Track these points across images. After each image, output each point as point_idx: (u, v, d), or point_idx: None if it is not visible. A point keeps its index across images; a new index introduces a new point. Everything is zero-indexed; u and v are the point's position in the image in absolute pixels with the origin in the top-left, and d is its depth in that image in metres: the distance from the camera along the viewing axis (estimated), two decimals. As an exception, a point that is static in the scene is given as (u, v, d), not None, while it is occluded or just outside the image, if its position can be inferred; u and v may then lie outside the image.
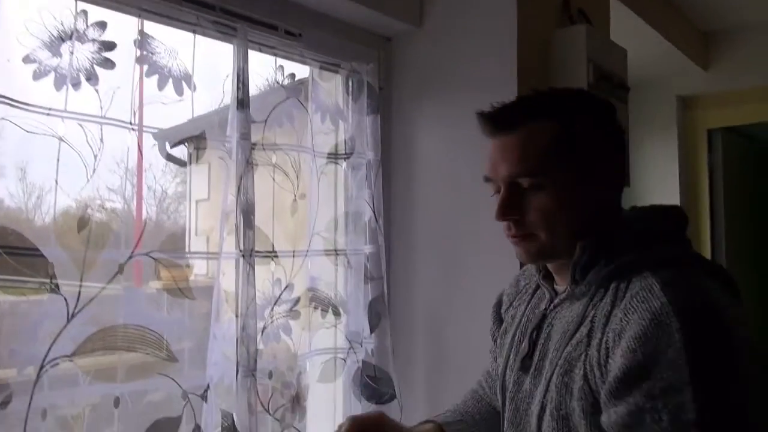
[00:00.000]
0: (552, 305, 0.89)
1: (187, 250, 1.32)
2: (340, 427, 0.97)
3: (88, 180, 1.04)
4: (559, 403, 0.79)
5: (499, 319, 1.06)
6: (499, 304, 1.08)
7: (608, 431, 0.74)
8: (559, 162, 0.83)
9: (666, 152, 2.82)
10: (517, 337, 0.94)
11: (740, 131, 3.02)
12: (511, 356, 0.93)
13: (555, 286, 0.92)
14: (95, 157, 1.05)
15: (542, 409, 0.82)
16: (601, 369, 0.75)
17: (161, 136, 1.22)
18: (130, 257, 1.09)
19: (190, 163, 1.48)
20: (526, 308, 0.96)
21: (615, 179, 0.88)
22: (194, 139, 1.25)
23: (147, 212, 1.30)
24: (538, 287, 0.97)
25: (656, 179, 2.79)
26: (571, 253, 0.84)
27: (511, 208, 0.84)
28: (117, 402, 1.05)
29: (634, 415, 0.70)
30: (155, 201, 1.36)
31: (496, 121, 0.85)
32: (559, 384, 0.80)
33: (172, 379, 1.12)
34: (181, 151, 1.36)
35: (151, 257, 1.13)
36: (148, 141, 1.14)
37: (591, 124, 0.86)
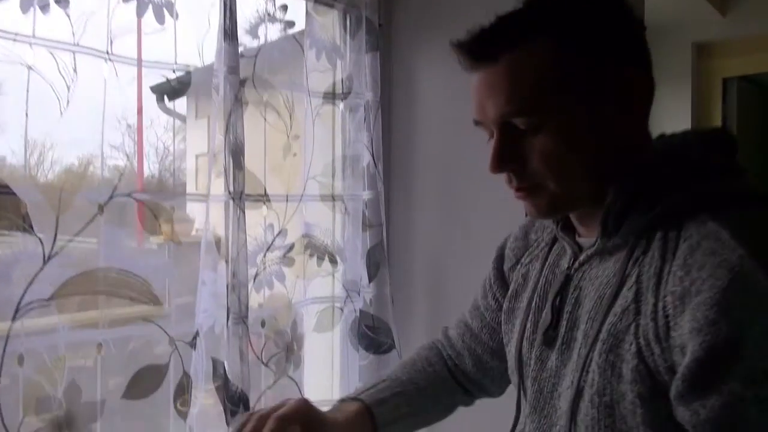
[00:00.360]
0: (577, 263, 0.72)
1: (187, 205, 1.23)
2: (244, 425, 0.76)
3: (61, 113, 0.97)
4: (603, 388, 0.63)
5: (501, 278, 0.89)
6: (500, 259, 0.89)
7: (690, 430, 0.58)
8: (560, 90, 0.64)
9: (679, 101, 2.71)
10: (534, 303, 0.77)
11: (756, 80, 2.91)
12: (528, 326, 0.77)
13: (578, 238, 0.74)
14: (68, 88, 0.97)
15: (578, 393, 0.66)
16: (660, 344, 0.59)
17: (159, 89, 1.16)
18: (111, 198, 1.03)
19: (189, 118, 1.40)
20: (542, 267, 0.79)
21: (639, 96, 0.67)
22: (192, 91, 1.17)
23: (149, 169, 1.24)
24: (555, 240, 0.79)
25: (667, 130, 2.69)
26: (594, 199, 0.67)
27: (507, 156, 0.67)
28: (99, 348, 1.01)
29: (733, 408, 0.54)
30: (157, 158, 1.29)
31: (473, 51, 0.68)
32: (602, 363, 0.64)
33: (158, 326, 1.07)
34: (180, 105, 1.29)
35: (133, 198, 1.06)
36: (127, 72, 1.05)
37: (596, 29, 0.66)
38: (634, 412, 0.61)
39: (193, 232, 1.22)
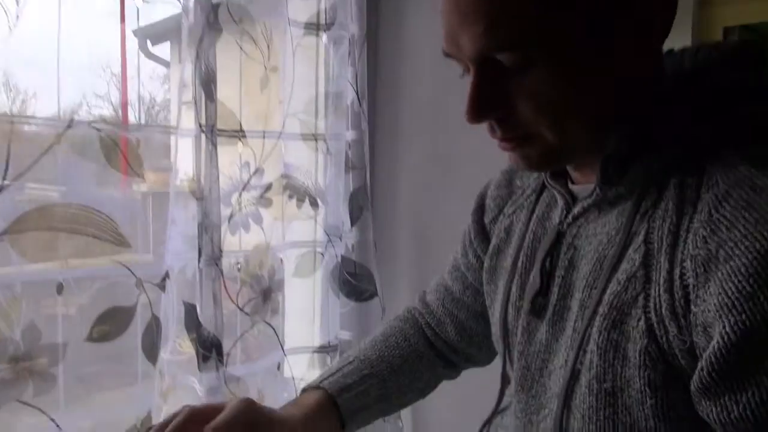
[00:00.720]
0: (570, 217, 0.60)
1: (172, 155, 1.13)
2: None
3: (10, 29, 0.87)
4: (603, 372, 0.52)
5: (482, 233, 0.77)
6: (480, 211, 0.77)
7: (717, 428, 0.47)
8: (554, 14, 0.49)
9: (677, 50, 2.63)
10: (521, 263, 0.66)
11: (757, 29, 2.81)
12: (514, 290, 0.66)
13: (571, 186, 0.61)
14: (16, 1, 0.87)
15: (573, 376, 0.55)
16: (677, 321, 0.48)
17: (142, 33, 1.07)
18: (69, 127, 0.94)
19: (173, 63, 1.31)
20: (529, 219, 0.67)
21: (661, 17, 0.53)
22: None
23: (135, 118, 1.15)
24: (544, 186, 0.67)
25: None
26: (597, 147, 0.55)
27: (488, 102, 0.53)
28: (60, 288, 0.94)
29: None
30: (143, 108, 1.20)
31: None
32: (602, 343, 0.52)
33: (124, 266, 1.00)
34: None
35: (94, 128, 0.98)
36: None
37: None
38: (641, 402, 0.50)
39: (177, 182, 1.14)
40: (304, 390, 0.74)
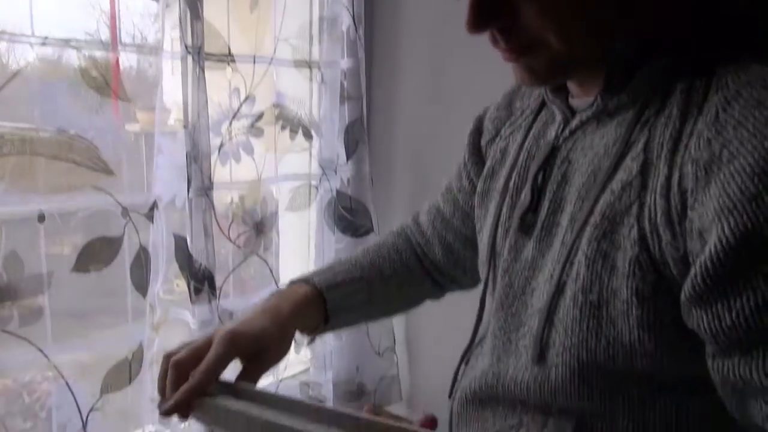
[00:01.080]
0: (567, 131, 0.58)
1: (161, 95, 1.04)
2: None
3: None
4: (589, 283, 0.51)
5: (477, 155, 0.75)
6: (477, 132, 0.75)
7: (707, 338, 0.45)
8: None
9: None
10: (513, 182, 0.64)
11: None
12: (504, 210, 0.64)
13: (571, 100, 0.60)
14: None
15: (558, 290, 0.54)
16: (672, 228, 0.46)
17: None
18: (43, 44, 0.88)
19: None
20: (525, 138, 0.65)
21: None
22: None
23: (126, 61, 1.07)
24: (542, 106, 0.65)
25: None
26: (600, 55, 0.52)
27: (490, 8, 0.50)
28: (42, 217, 0.90)
29: (765, 313, 0.41)
30: (135, 48, 1.12)
31: None
32: (591, 253, 0.51)
33: (109, 194, 0.96)
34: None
35: (71, 47, 0.91)
36: None
37: None
38: (627, 313, 0.49)
39: (171, 122, 1.08)
40: (292, 282, 0.73)
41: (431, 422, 0.65)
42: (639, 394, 0.52)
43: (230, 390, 0.57)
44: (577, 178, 0.56)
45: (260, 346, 0.62)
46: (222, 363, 0.59)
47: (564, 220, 0.56)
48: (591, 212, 0.52)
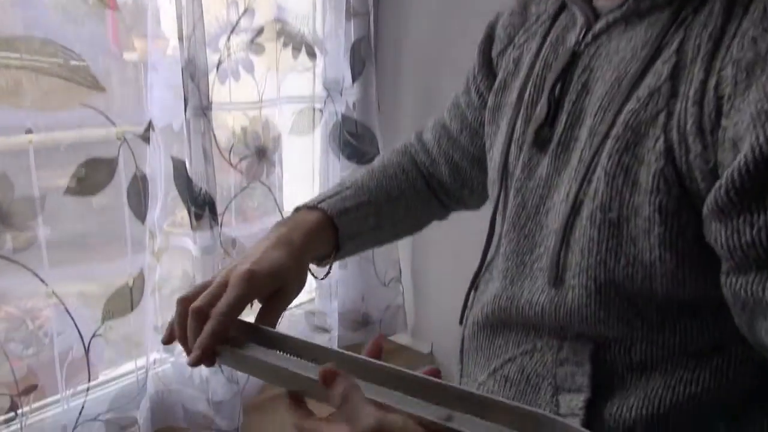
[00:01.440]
0: (590, 35, 0.53)
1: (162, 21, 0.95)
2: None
3: None
4: (609, 200, 0.47)
5: (488, 66, 0.69)
6: (488, 41, 0.69)
7: (723, 254, 0.43)
8: None
9: None
10: (528, 95, 0.58)
11: None
12: (519, 125, 0.59)
13: (595, 2, 0.55)
14: None
15: (574, 207, 0.50)
16: (703, 138, 0.42)
17: None
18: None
19: None
20: (541, 46, 0.60)
21: None
22: None
23: None
24: (562, 9, 0.60)
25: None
26: None
27: None
28: (30, 134, 0.84)
29: None
30: None
31: None
32: (611, 168, 0.47)
33: (101, 113, 0.90)
34: None
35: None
36: None
37: None
38: (648, 231, 0.45)
39: (169, 51, 0.99)
40: (297, 209, 0.68)
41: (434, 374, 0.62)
42: (657, 317, 0.49)
43: (253, 333, 0.53)
44: (599, 87, 0.51)
45: (279, 283, 0.57)
46: (241, 305, 0.53)
47: (583, 134, 0.52)
48: (613, 124, 0.48)
